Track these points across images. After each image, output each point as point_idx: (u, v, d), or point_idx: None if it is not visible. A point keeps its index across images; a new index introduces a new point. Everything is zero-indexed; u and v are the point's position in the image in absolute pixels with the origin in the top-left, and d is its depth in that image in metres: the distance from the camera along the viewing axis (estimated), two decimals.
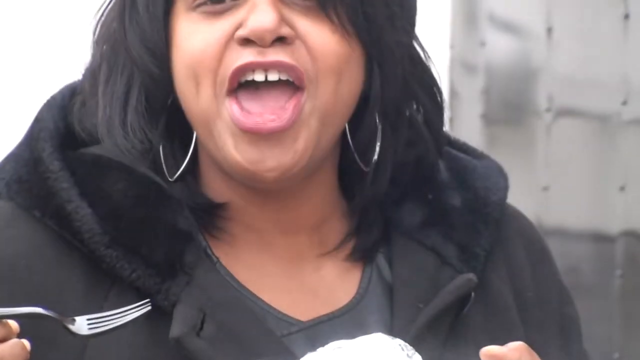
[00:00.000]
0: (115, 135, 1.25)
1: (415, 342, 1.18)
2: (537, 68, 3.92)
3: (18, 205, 1.27)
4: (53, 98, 1.33)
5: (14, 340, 1.09)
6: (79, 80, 1.33)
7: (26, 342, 1.10)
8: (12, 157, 1.31)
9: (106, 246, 1.23)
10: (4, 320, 1.10)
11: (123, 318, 1.17)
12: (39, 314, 1.14)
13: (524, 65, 4.03)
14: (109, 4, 1.32)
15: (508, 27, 4.07)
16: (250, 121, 1.21)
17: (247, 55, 1.21)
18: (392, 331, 1.23)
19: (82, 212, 1.23)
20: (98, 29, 1.32)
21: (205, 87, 1.22)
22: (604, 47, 3.66)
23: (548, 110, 3.73)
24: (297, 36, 1.24)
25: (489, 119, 3.85)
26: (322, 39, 1.24)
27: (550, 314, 1.39)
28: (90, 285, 1.24)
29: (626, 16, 3.55)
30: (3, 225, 1.26)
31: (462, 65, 4.18)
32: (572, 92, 3.84)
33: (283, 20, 1.23)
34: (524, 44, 4.11)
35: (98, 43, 1.31)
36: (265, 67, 1.21)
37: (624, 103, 3.53)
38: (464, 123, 3.96)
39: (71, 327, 1.16)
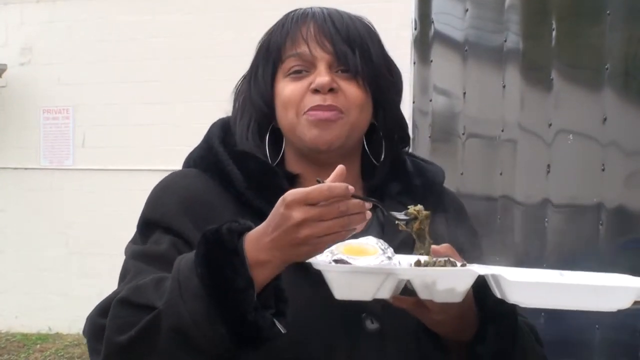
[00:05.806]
0: (244, 144, 2.00)
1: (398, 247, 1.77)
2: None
3: (199, 170, 1.97)
4: (218, 119, 2.08)
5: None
6: (229, 116, 2.08)
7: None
8: (198, 148, 2.03)
9: (246, 188, 1.91)
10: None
11: None
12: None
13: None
14: (243, 77, 2.06)
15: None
16: (318, 117, 1.91)
17: (317, 100, 1.92)
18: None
19: (234, 172, 1.93)
20: (237, 89, 2.07)
21: (291, 112, 1.93)
22: None
23: None
24: (339, 89, 1.92)
25: (433, 139, 5.23)
26: (352, 92, 1.93)
27: (463, 237, 2.04)
28: (236, 211, 1.88)
29: None
30: (193, 176, 1.96)
31: (419, 111, 5.59)
32: None
33: (333, 81, 1.92)
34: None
35: (237, 96, 2.06)
36: (325, 108, 1.92)
37: None
38: (419, 142, 5.36)
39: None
